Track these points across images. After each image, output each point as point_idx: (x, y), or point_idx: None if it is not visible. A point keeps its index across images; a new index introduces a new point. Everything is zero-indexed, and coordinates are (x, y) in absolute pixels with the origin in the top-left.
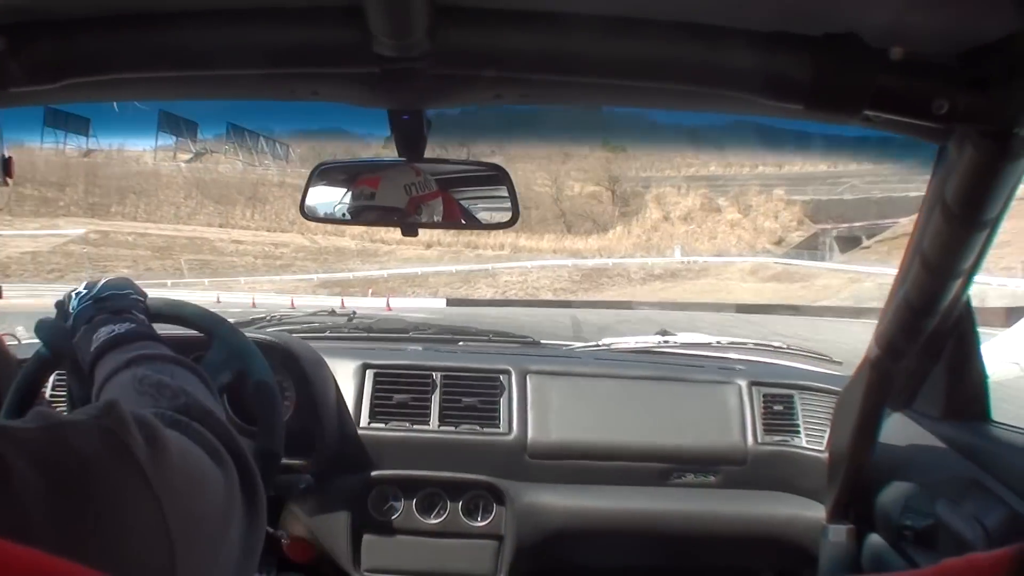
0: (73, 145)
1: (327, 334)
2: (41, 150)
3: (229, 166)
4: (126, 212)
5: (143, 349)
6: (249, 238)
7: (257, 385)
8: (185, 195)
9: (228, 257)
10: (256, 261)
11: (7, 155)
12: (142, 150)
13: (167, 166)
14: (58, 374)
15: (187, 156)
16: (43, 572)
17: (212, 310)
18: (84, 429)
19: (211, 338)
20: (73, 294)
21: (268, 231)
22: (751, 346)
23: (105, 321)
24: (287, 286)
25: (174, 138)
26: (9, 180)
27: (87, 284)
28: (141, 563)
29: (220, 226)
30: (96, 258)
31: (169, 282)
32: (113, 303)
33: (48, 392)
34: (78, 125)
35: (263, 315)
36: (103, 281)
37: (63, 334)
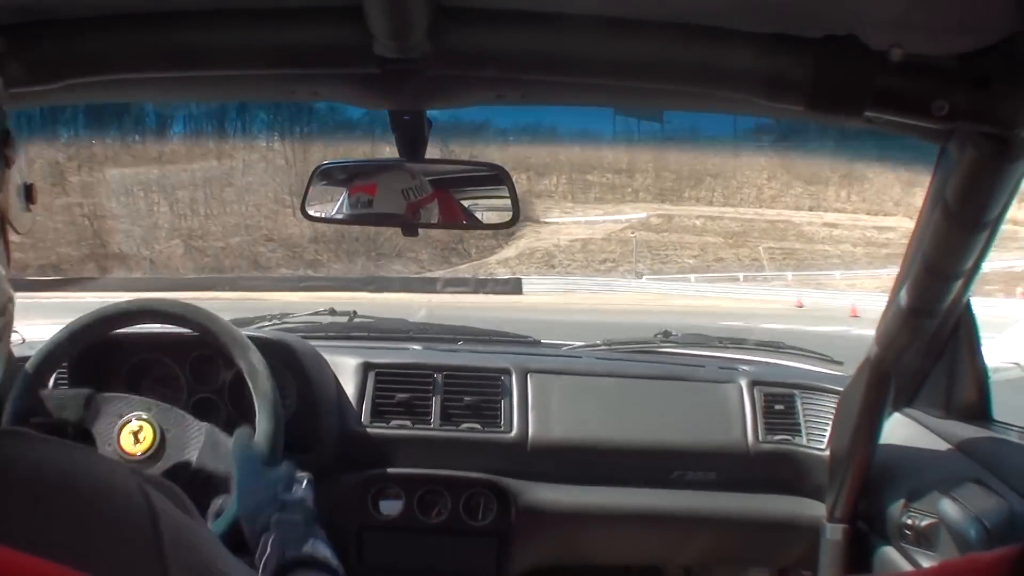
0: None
1: (327, 333)
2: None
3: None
4: (700, 196)
5: None
6: (845, 221)
7: (256, 384)
8: (768, 176)
9: (819, 245)
10: (855, 250)
11: (29, 183)
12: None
13: (748, 146)
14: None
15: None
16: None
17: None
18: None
19: (210, 337)
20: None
21: (868, 214)
22: (752, 345)
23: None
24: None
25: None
26: (32, 207)
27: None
28: None
29: (810, 209)
30: (656, 245)
31: (742, 275)
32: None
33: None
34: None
35: (264, 314)
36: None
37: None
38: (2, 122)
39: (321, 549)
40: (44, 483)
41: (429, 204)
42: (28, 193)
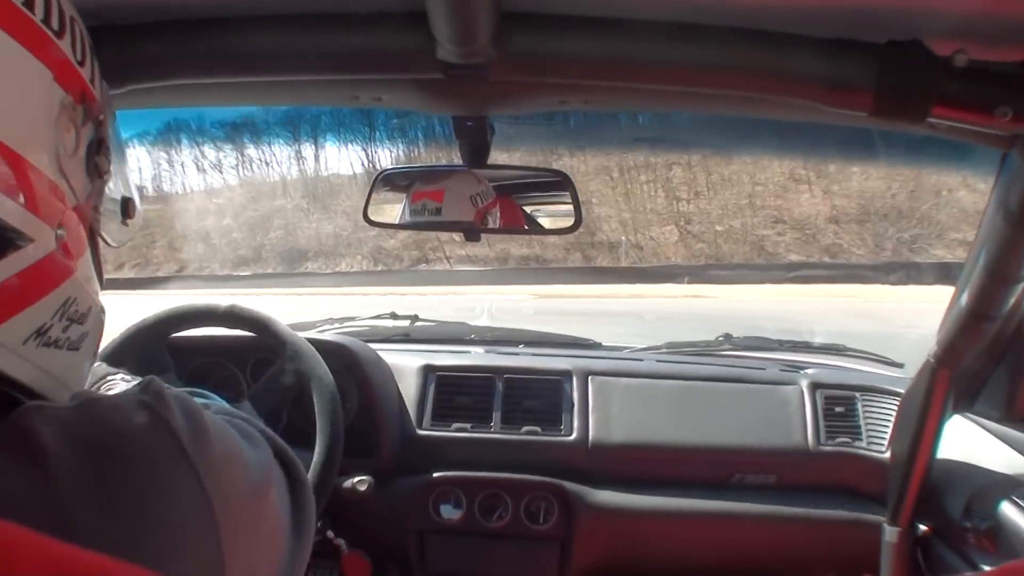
0: None
1: (388, 337)
2: None
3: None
4: None
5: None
6: None
7: (319, 389)
8: None
9: None
10: None
11: (127, 196)
12: None
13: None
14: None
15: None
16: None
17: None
18: (122, 404)
19: (270, 340)
20: None
21: None
22: (813, 348)
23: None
24: None
25: None
26: (128, 222)
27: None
28: (184, 536)
29: None
30: None
31: None
32: None
33: None
34: None
35: (325, 318)
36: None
37: None
38: (97, 131)
39: None
40: (61, 438)
41: (494, 209)
42: (124, 208)
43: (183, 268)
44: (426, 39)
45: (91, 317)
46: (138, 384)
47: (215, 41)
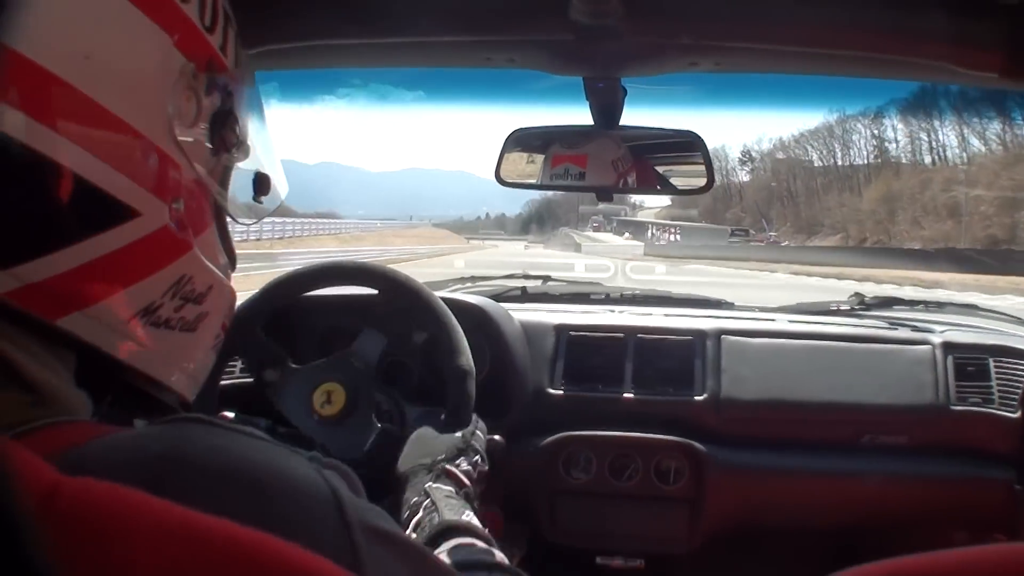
0: None
1: (521, 296)
2: None
3: None
4: None
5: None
6: None
7: (450, 347)
8: None
9: None
10: None
11: (263, 171)
12: None
13: None
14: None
15: None
16: (239, 544)
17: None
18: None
19: (402, 300)
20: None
21: None
22: (945, 307)
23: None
24: None
25: None
26: (262, 199)
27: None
28: None
29: None
30: None
31: None
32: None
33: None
34: None
35: (458, 276)
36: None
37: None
38: (225, 101)
39: (475, 520)
40: (223, 469)
41: (631, 172)
42: (258, 184)
43: None
44: None
45: (211, 297)
46: None
47: (349, 2)
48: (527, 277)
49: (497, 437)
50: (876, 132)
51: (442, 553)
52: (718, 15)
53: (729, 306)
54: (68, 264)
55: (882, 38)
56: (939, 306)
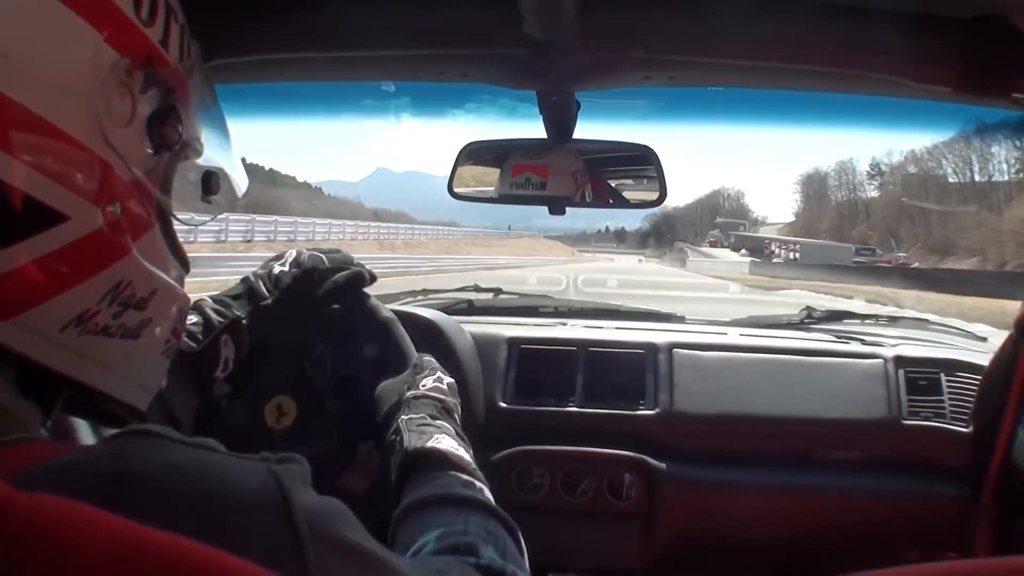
0: None
1: (472, 309)
2: None
3: None
4: None
5: (461, 489)
6: None
7: (401, 362)
8: None
9: None
10: None
11: (213, 168)
12: None
13: None
14: None
15: None
16: (188, 560)
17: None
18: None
19: (359, 313)
20: (426, 363)
21: None
22: (896, 321)
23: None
24: None
25: None
26: (212, 198)
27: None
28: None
29: None
30: None
31: None
32: (447, 403)
33: None
34: None
35: (409, 290)
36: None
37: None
38: (166, 98)
39: (445, 442)
40: (176, 485)
41: (587, 184)
42: (206, 182)
43: None
44: (511, 14)
45: (155, 302)
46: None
47: (299, 15)
48: (478, 290)
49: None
50: (1019, 145)
51: (408, 495)
52: (670, 30)
53: (680, 319)
54: None
55: (836, 52)
56: (891, 320)
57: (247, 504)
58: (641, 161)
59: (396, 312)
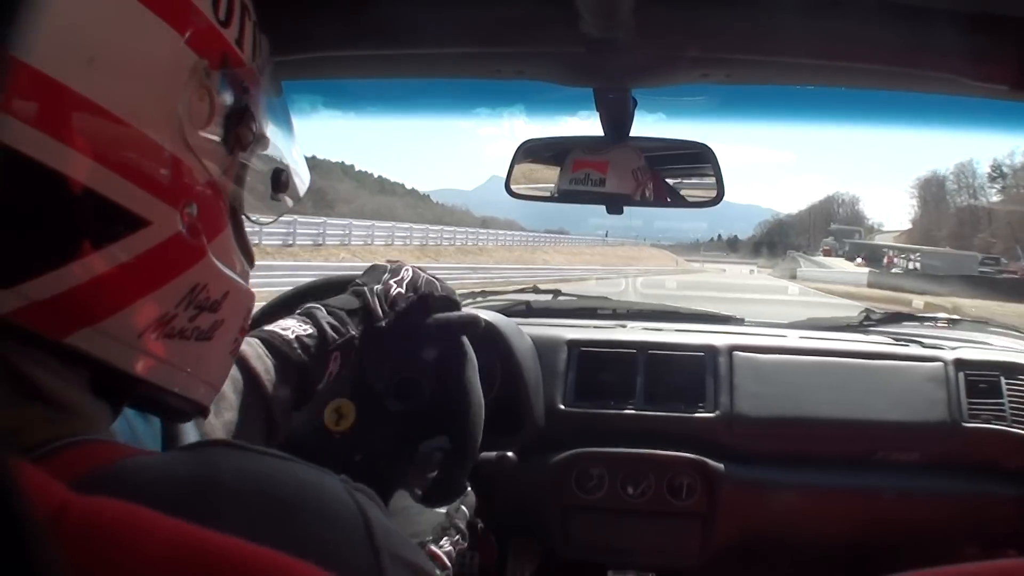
0: None
1: (531, 311)
2: None
3: None
4: None
5: None
6: None
7: (461, 364)
8: None
9: None
10: None
11: (281, 166)
12: None
13: None
14: None
15: None
16: (251, 565)
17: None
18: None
19: (419, 316)
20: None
21: None
22: (956, 323)
23: None
24: None
25: None
26: (282, 196)
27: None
28: None
29: None
30: None
31: None
32: None
33: None
34: None
35: (468, 291)
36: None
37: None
38: (241, 98)
39: None
40: (255, 493)
41: (648, 183)
42: (276, 180)
43: None
44: (568, 12)
45: (227, 303)
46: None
47: (355, 14)
48: (538, 291)
49: (509, 454)
50: None
51: None
52: (727, 28)
53: (739, 322)
54: (76, 279)
55: (892, 51)
56: (950, 322)
57: (328, 515)
58: (698, 159)
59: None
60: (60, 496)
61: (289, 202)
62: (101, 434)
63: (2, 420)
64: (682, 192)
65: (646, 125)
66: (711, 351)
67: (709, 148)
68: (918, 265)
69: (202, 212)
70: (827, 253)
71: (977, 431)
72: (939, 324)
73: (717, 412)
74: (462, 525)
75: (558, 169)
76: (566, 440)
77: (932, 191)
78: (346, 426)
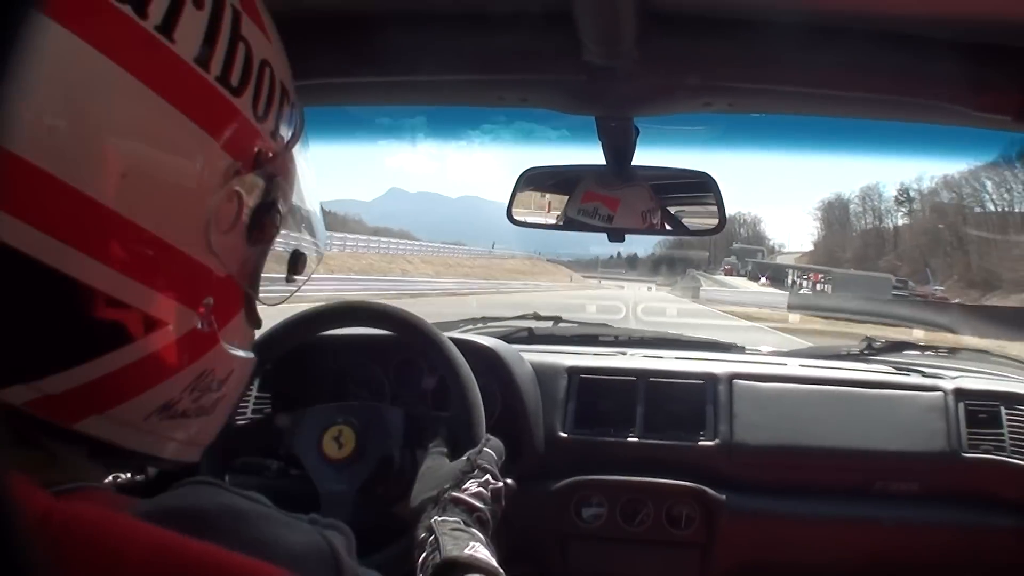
0: None
1: (532, 338)
2: None
3: None
4: None
5: None
6: None
7: (461, 390)
8: None
9: None
10: None
11: (300, 249)
12: None
13: None
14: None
15: None
16: (226, 569)
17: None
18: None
19: (413, 340)
20: (481, 459)
21: None
22: (955, 352)
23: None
24: None
25: None
26: (297, 279)
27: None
28: None
29: None
30: None
31: None
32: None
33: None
34: None
35: (469, 317)
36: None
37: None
38: (268, 192)
39: (481, 552)
40: (232, 526)
41: (656, 220)
42: (294, 263)
43: None
44: (571, 40)
45: (231, 380)
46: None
47: (361, 40)
48: (538, 318)
49: (509, 481)
50: None
51: None
52: (730, 57)
53: (740, 350)
54: (90, 376)
55: (894, 80)
56: (951, 351)
57: (300, 554)
58: (700, 188)
59: (455, 341)
60: (45, 502)
61: (301, 280)
62: (96, 483)
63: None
64: (684, 221)
65: (649, 153)
66: (711, 379)
67: (711, 177)
68: (828, 287)
69: (217, 303)
70: (729, 272)
71: (977, 461)
72: (939, 353)
73: (717, 440)
74: (487, 465)
75: (564, 198)
76: (566, 468)
77: (836, 213)
78: (343, 454)
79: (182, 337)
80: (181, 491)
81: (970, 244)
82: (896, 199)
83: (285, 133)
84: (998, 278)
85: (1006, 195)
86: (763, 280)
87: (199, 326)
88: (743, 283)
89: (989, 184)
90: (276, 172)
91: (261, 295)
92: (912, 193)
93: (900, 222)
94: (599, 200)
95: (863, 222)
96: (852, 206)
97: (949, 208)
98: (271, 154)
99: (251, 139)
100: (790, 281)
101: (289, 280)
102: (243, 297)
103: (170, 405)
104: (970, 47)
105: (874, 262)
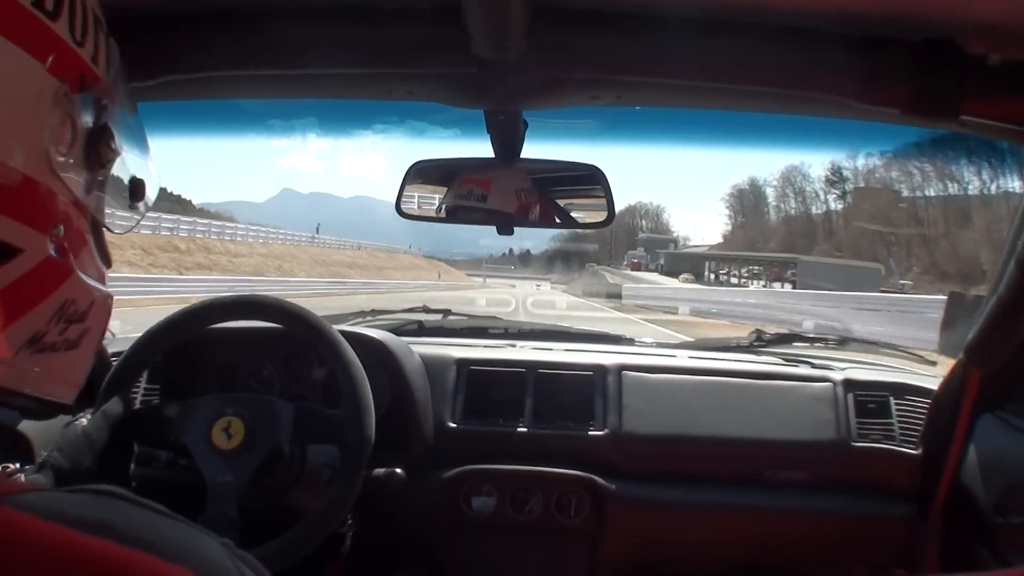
0: None
1: (421, 331)
2: None
3: None
4: None
5: None
6: None
7: (350, 382)
8: None
9: None
10: None
11: (137, 175)
12: None
13: None
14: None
15: None
16: (118, 561)
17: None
18: None
19: (303, 333)
20: None
21: None
22: (845, 343)
23: None
24: None
25: None
26: (139, 205)
27: None
28: None
29: None
30: None
31: None
32: None
33: (143, 385)
34: None
35: (358, 310)
36: None
37: None
38: (100, 116)
39: None
40: (149, 543)
41: (534, 205)
42: (133, 190)
43: None
44: (459, 34)
45: (93, 312)
46: None
47: (247, 33)
48: (428, 311)
49: (398, 471)
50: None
51: None
52: (618, 50)
53: (629, 342)
54: None
55: (784, 74)
56: (840, 343)
57: (208, 568)
58: (588, 181)
59: (344, 333)
60: None
61: (143, 209)
62: None
63: None
64: (572, 213)
65: (538, 147)
66: (600, 370)
67: (600, 170)
68: (790, 285)
69: (68, 231)
70: (636, 267)
71: (866, 451)
72: (829, 345)
73: (606, 431)
74: None
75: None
76: (455, 458)
77: (751, 200)
78: (232, 444)
79: (39, 265)
80: (91, 501)
81: (929, 227)
82: (827, 179)
83: (104, 63)
84: (978, 269)
85: (949, 181)
86: (684, 276)
87: (52, 253)
88: (659, 279)
89: (930, 168)
90: (102, 96)
91: (108, 223)
92: (845, 172)
93: (834, 206)
94: (473, 183)
95: (788, 207)
96: (771, 190)
97: (883, 194)
98: (96, 79)
99: (75, 63)
100: (720, 276)
101: (133, 208)
102: (90, 226)
103: (38, 338)
104: (857, 40)
105: (807, 252)
